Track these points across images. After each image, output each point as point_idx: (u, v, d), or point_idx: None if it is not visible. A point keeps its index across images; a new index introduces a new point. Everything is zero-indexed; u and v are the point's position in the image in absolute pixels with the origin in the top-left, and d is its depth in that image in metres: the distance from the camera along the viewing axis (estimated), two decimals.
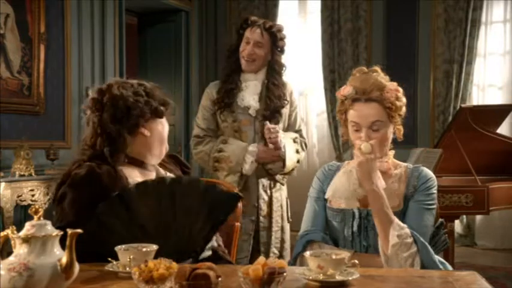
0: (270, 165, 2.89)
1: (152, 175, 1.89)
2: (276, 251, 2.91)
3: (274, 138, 2.80)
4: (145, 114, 1.83)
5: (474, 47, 5.58)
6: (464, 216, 5.56)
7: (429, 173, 1.93)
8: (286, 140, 2.91)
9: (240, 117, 2.91)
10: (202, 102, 3.03)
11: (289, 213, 3.04)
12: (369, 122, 1.85)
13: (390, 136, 1.91)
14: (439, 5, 5.73)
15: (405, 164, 1.98)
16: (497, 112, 4.47)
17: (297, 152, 2.96)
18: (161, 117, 1.90)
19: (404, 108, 1.92)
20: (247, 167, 2.84)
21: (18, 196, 4.12)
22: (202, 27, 6.84)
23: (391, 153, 1.95)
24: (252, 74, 2.94)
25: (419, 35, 5.90)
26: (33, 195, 4.21)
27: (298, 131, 3.06)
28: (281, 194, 2.99)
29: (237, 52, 2.94)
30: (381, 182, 1.81)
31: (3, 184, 4.03)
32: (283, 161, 2.87)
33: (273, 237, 2.92)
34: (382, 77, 1.92)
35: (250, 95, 2.91)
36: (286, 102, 2.95)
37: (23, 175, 4.23)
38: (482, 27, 5.63)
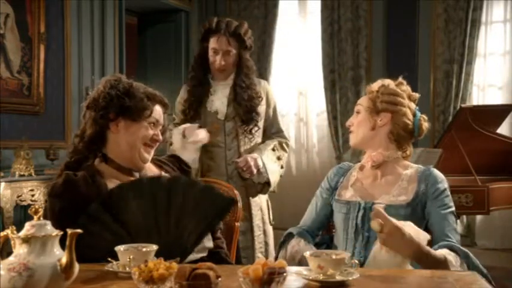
0: (254, 178, 2.86)
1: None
2: (261, 255, 2.86)
3: (249, 171, 2.80)
4: (113, 108, 1.82)
5: (474, 47, 5.58)
6: (464, 216, 5.55)
7: (440, 174, 1.99)
8: (265, 155, 2.87)
9: (209, 121, 2.87)
10: (176, 103, 3.00)
11: (271, 216, 2.99)
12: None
13: (369, 125, 1.99)
14: (439, 5, 5.73)
15: (416, 165, 2.04)
16: (497, 112, 4.47)
17: (278, 158, 2.93)
18: (135, 120, 1.84)
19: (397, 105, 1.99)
20: (176, 143, 2.80)
21: (18, 196, 4.12)
22: None
23: (396, 152, 2.00)
24: (219, 80, 2.91)
25: (419, 35, 5.90)
26: (33, 195, 4.20)
27: (279, 132, 3.01)
28: (259, 197, 2.93)
29: (204, 61, 2.88)
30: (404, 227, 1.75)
31: (3, 184, 4.03)
32: (261, 172, 2.84)
33: (256, 242, 2.87)
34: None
35: (218, 99, 2.86)
36: (260, 99, 2.89)
37: (23, 175, 4.23)
38: (482, 27, 5.63)
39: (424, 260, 1.73)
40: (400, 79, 2.05)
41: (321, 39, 6.17)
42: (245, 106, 2.84)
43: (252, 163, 2.80)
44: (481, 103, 5.61)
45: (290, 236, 2.05)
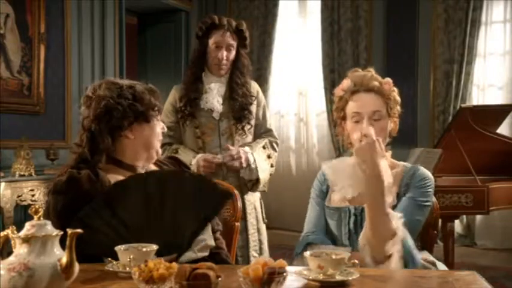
0: (244, 175, 2.84)
1: None
2: (256, 254, 2.86)
3: (238, 161, 2.78)
4: (128, 118, 1.82)
5: (474, 47, 5.58)
6: (464, 216, 5.56)
7: (426, 172, 1.94)
8: (256, 152, 2.87)
9: (203, 121, 2.85)
10: (165, 105, 2.89)
11: (263, 214, 2.98)
12: (371, 111, 1.89)
13: (388, 132, 1.93)
14: (439, 5, 5.73)
15: (403, 163, 2.00)
16: (497, 112, 4.47)
17: (269, 157, 2.92)
18: (148, 121, 1.86)
19: (399, 107, 1.95)
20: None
21: (18, 196, 4.12)
22: None
23: (389, 154, 1.96)
24: (216, 77, 2.88)
25: (419, 35, 5.90)
26: (33, 195, 4.20)
27: (269, 131, 3.00)
28: (253, 195, 2.93)
29: (203, 58, 2.86)
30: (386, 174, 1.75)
31: (3, 184, 4.03)
32: (252, 168, 2.83)
33: (250, 240, 2.86)
34: (377, 75, 1.97)
35: (214, 97, 2.84)
36: (253, 98, 2.89)
37: (23, 175, 4.23)
38: (482, 27, 5.63)
39: (377, 217, 1.70)
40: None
41: (321, 39, 6.17)
42: (239, 103, 2.84)
43: (243, 155, 2.79)
44: (481, 103, 5.62)
45: (310, 245, 1.95)
